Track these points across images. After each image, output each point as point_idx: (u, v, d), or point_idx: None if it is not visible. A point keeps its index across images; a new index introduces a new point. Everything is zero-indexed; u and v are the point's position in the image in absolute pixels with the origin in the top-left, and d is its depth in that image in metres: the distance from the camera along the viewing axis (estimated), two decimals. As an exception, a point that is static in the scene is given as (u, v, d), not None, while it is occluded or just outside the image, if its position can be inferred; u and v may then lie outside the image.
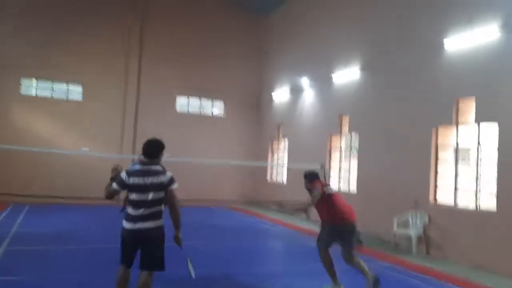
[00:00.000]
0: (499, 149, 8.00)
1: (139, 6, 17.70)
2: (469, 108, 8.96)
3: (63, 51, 16.42)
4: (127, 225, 4.27)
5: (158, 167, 4.40)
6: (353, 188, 12.54)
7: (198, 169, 16.49)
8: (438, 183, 9.52)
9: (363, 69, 12.29)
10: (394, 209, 10.15)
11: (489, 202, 8.30)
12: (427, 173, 9.60)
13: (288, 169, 16.50)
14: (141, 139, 18.20)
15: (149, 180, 4.27)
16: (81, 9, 16.74)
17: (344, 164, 13.29)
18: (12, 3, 15.84)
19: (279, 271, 7.54)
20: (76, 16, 16.63)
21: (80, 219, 12.34)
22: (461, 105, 9.10)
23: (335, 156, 13.82)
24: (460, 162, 9.12)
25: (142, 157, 4.47)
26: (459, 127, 9.13)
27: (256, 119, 19.50)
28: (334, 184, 13.19)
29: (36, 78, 16.44)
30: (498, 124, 8.02)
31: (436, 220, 9.27)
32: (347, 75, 13.01)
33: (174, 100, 18.47)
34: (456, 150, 9.19)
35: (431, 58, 9.71)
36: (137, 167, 4.37)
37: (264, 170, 18.60)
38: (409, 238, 9.65)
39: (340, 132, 13.48)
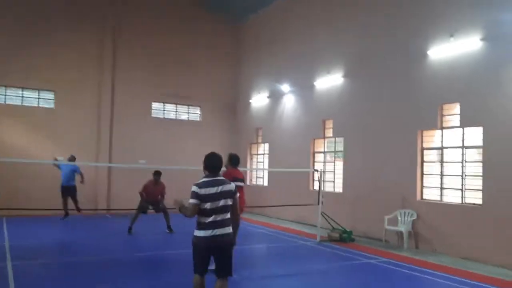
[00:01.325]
0: (484, 150, 8.88)
1: (112, 14, 17.49)
2: (453, 113, 9.79)
3: (34, 59, 15.94)
4: (201, 233, 4.50)
5: (221, 177, 4.75)
6: (339, 189, 13.20)
7: (175, 175, 16.50)
8: (425, 182, 10.32)
9: (346, 76, 12.97)
10: (383, 208, 10.86)
11: (474, 198, 9.14)
12: (414, 173, 10.38)
13: (269, 172, 16.94)
14: (117, 146, 17.99)
15: (220, 188, 4.58)
16: (53, 17, 16.31)
17: (329, 167, 13.91)
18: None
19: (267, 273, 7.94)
20: (48, 24, 16.18)
21: (70, 231, 12.20)
22: (445, 110, 9.93)
23: (318, 159, 14.42)
24: (444, 162, 9.93)
25: (205, 175, 4.72)
26: (444, 131, 9.96)
27: (233, 124, 19.79)
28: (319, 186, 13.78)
29: (5, 86, 15.86)
30: (483, 129, 8.90)
31: (424, 216, 10.05)
32: (329, 81, 13.64)
33: (150, 106, 18.37)
34: (442, 152, 10.01)
35: (416, 66, 10.52)
36: (206, 179, 4.66)
37: (243, 173, 18.87)
38: (399, 234, 10.39)
39: (324, 136, 14.10)
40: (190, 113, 19.45)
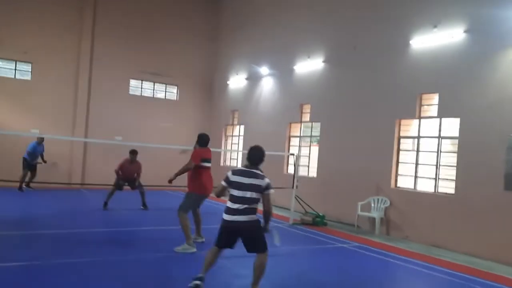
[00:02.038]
0: (459, 141, 9.03)
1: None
2: (431, 103, 9.91)
3: (11, 29, 15.34)
4: (226, 217, 4.91)
5: (258, 171, 4.99)
6: (313, 174, 13.26)
7: (151, 153, 16.25)
8: (400, 170, 10.45)
9: (327, 61, 12.93)
10: (356, 194, 10.98)
11: (447, 188, 9.33)
12: (389, 161, 10.50)
13: (243, 154, 16.86)
14: (94, 121, 17.62)
15: (249, 181, 4.87)
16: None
17: (304, 152, 13.93)
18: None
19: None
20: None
21: (37, 203, 11.85)
22: (424, 100, 10.03)
23: (294, 143, 14.42)
24: (420, 151, 10.08)
25: (245, 165, 5.07)
26: (421, 120, 10.07)
27: (209, 105, 19.61)
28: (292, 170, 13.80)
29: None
30: (460, 120, 9.03)
31: (396, 203, 10.22)
32: (309, 66, 13.57)
33: (128, 83, 18.00)
34: (418, 141, 10.14)
35: (397, 55, 10.55)
36: (242, 168, 5.03)
37: (216, 155, 18.79)
38: (371, 220, 10.54)
39: (301, 121, 14.09)
40: (168, 92, 19.11)
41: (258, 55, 16.45)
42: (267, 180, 4.90)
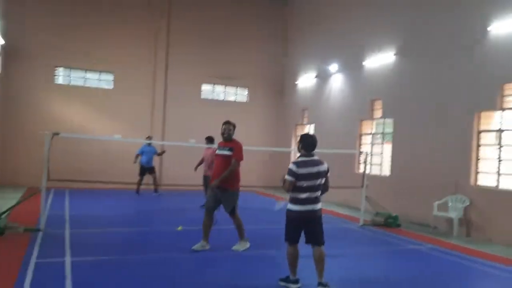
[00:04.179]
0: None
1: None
2: (514, 94, 9.10)
3: (96, 43, 16.68)
4: (297, 207, 5.03)
5: (318, 158, 5.19)
6: (386, 173, 12.78)
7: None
8: (480, 167, 9.71)
9: (398, 53, 12.39)
10: (432, 193, 10.38)
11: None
12: (468, 157, 9.80)
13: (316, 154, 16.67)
14: (169, 125, 18.61)
15: (317, 168, 5.06)
16: (110, 1, 17.02)
17: (376, 150, 13.47)
18: (45, 1, 16.13)
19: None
20: (106, 6, 16.86)
21: (122, 203, 12.77)
22: (506, 90, 9.23)
23: (366, 141, 14.00)
24: (503, 146, 9.28)
25: (301, 154, 5.22)
26: (504, 112, 9.28)
27: (279, 105, 19.75)
28: (368, 169, 13.39)
29: (69, 68, 16.69)
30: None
31: (477, 202, 9.50)
32: (380, 60, 13.11)
33: (199, 87, 18.75)
34: (500, 135, 9.35)
35: (474, 43, 9.82)
36: (304, 158, 5.13)
37: (287, 155, 18.82)
38: (449, 221, 9.91)
39: (372, 117, 13.64)
40: (238, 94, 19.57)
41: (327, 52, 16.22)
42: (326, 164, 5.19)
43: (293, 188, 5.00)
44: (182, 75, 18.06)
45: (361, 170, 11.86)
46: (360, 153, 12.60)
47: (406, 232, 9.76)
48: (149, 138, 15.05)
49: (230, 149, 6.90)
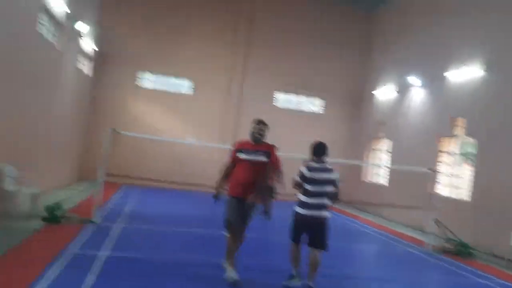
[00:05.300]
0: None
1: (246, 5, 18.22)
2: None
3: (179, 52, 17.51)
4: (301, 211, 5.25)
5: (329, 166, 5.45)
6: (464, 196, 11.56)
7: (291, 166, 16.32)
8: None
9: (487, 68, 11.19)
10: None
11: None
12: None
13: (391, 170, 15.72)
14: (242, 131, 18.91)
15: (326, 175, 5.34)
16: (193, 9, 17.73)
17: (455, 171, 12.28)
18: (133, 10, 17.34)
19: (369, 276, 7.16)
20: (189, 17, 17.64)
21: (186, 203, 13.14)
22: None
23: (444, 160, 12.83)
24: None
25: (313, 160, 5.49)
26: None
27: (355, 117, 19.02)
28: (443, 191, 12.31)
29: (153, 73, 17.71)
30: None
31: None
32: (464, 74, 11.98)
33: (273, 96, 18.74)
34: None
35: None
36: (315, 165, 5.41)
37: (360, 169, 17.98)
38: (532, 257, 8.63)
39: (452, 135, 12.48)
40: (312, 104, 19.22)
41: (408, 64, 15.27)
42: (337, 173, 5.43)
43: (303, 191, 5.32)
44: (258, 83, 18.24)
45: (439, 191, 10.89)
46: (433, 171, 11.54)
47: (477, 263, 8.69)
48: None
49: (266, 154, 5.43)
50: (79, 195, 11.29)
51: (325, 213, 5.31)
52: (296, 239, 5.40)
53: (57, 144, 11.94)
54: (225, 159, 20.82)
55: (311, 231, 5.27)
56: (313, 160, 5.45)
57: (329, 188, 5.29)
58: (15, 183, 8.00)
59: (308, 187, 5.22)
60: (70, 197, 8.61)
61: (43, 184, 10.16)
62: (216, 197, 5.49)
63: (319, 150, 5.52)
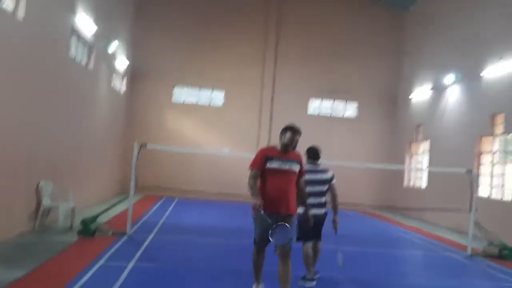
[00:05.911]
0: None
1: (275, 13, 18.36)
2: None
3: (209, 64, 17.89)
4: (300, 211, 5.15)
5: (322, 167, 5.95)
6: (508, 197, 10.96)
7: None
8: None
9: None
10: None
11: None
12: None
13: (430, 173, 15.18)
14: (274, 141, 19.03)
15: (320, 176, 5.82)
16: (222, 21, 18.10)
17: (497, 170, 11.68)
18: (165, 25, 17.82)
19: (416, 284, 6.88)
20: (218, 27, 18.01)
21: (221, 214, 13.28)
22: None
23: (486, 160, 12.24)
24: None
25: (308, 162, 5.87)
26: None
27: (392, 120, 18.57)
28: (485, 192, 11.73)
29: (185, 86, 18.13)
30: None
31: None
32: (501, 69, 11.43)
33: (307, 103, 18.65)
34: None
35: None
36: (311, 167, 5.79)
37: (399, 173, 17.46)
38: None
39: (492, 134, 11.90)
40: (347, 110, 18.95)
41: (444, 63, 14.80)
42: (331, 172, 5.92)
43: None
44: (289, 90, 18.26)
45: (480, 193, 10.39)
46: (467, 172, 11.01)
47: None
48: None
49: (298, 163, 4.85)
50: (117, 208, 11.64)
51: (324, 210, 5.85)
52: (303, 238, 5.70)
53: (96, 160, 12.44)
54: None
55: (314, 227, 5.47)
56: (308, 163, 5.85)
57: (326, 187, 5.83)
58: (53, 199, 8.38)
59: (308, 188, 5.33)
60: (108, 210, 8.92)
61: (84, 198, 10.59)
62: (258, 207, 4.46)
63: (314, 153, 5.99)
